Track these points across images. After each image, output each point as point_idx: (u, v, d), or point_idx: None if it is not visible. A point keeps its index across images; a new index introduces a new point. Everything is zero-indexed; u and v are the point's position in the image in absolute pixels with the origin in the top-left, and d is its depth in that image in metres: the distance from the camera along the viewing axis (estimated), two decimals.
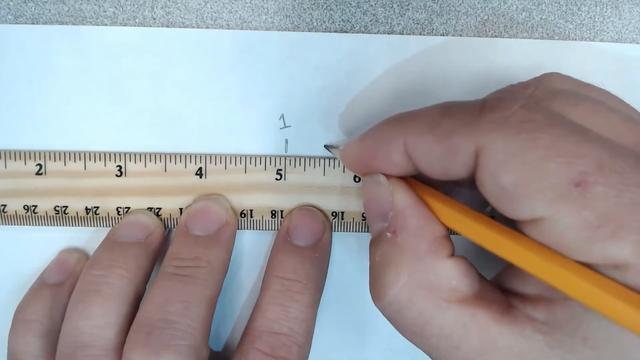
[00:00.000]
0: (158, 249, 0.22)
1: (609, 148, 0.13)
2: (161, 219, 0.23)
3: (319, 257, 0.22)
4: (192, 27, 0.22)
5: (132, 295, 0.21)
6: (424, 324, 0.16)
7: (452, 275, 0.16)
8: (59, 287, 0.22)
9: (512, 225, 0.15)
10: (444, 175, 0.16)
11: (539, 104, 0.15)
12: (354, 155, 0.18)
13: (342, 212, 0.23)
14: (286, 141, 0.23)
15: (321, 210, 0.23)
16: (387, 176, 0.18)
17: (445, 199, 0.17)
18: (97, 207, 0.22)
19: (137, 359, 0.19)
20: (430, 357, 0.16)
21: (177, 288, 0.20)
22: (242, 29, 0.22)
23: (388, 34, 0.22)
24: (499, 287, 0.17)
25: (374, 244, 0.18)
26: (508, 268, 0.17)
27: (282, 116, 0.23)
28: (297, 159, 0.22)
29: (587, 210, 0.13)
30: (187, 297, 0.20)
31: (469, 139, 0.15)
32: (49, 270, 0.23)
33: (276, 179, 0.22)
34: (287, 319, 0.20)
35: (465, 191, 0.20)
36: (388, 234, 0.17)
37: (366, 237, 0.23)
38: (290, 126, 0.23)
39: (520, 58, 0.22)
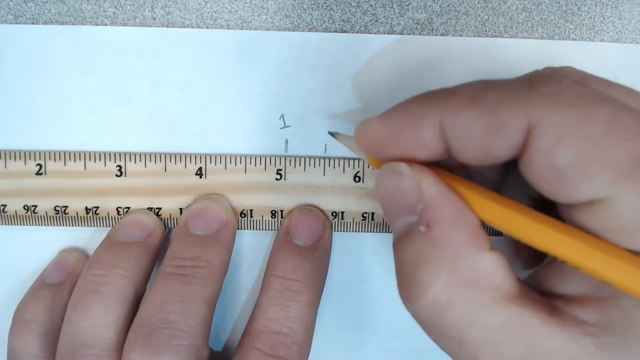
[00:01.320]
0: (158, 249, 0.22)
1: None
2: (161, 219, 0.23)
3: (319, 256, 0.22)
4: (192, 27, 0.22)
5: (132, 295, 0.21)
6: (466, 327, 0.14)
7: (495, 270, 0.14)
8: (58, 287, 0.22)
9: (551, 215, 0.14)
10: (480, 158, 0.15)
11: (584, 82, 0.14)
12: (376, 134, 0.16)
13: (342, 212, 0.23)
14: (286, 141, 0.23)
15: (321, 210, 0.23)
16: (410, 163, 0.16)
17: (477, 188, 0.15)
18: (97, 207, 0.22)
19: (137, 359, 0.19)
20: None
21: (177, 288, 0.20)
22: (242, 29, 0.22)
23: (388, 34, 0.22)
24: (536, 288, 0.15)
25: (402, 242, 0.15)
26: (546, 268, 0.15)
27: (282, 116, 0.23)
28: (297, 159, 0.22)
29: None
30: (187, 297, 0.20)
31: (520, 113, 0.13)
32: (49, 270, 0.23)
33: (276, 179, 0.22)
34: (287, 318, 0.20)
35: (488, 184, 0.18)
36: (421, 227, 0.15)
37: (366, 237, 0.23)
38: (290, 126, 0.23)
39: (520, 58, 0.22)
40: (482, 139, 0.14)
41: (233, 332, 0.24)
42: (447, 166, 0.16)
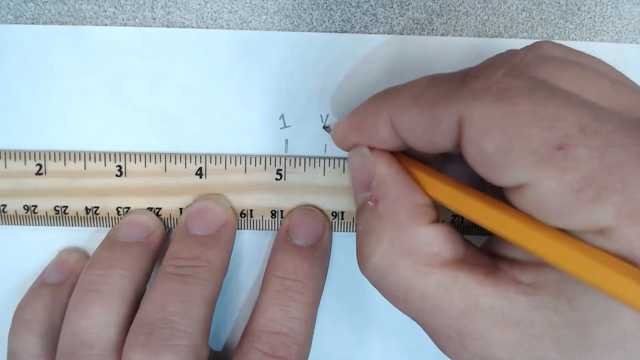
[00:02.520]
0: (158, 249, 0.22)
1: (593, 110, 0.13)
2: (161, 219, 0.23)
3: (319, 256, 0.22)
4: (192, 27, 0.22)
5: (132, 295, 0.21)
6: (407, 289, 0.16)
7: (433, 240, 0.16)
8: (59, 286, 0.22)
9: (501, 197, 0.15)
10: (431, 148, 0.16)
11: (523, 70, 0.15)
12: (343, 131, 0.19)
13: (342, 212, 0.23)
14: (286, 141, 0.23)
15: (321, 210, 0.23)
16: (371, 148, 0.18)
17: (429, 170, 0.17)
18: (97, 207, 0.22)
19: (137, 359, 0.19)
20: (415, 321, 0.17)
21: (177, 288, 0.20)
22: (242, 29, 0.22)
23: (388, 34, 0.22)
24: (488, 252, 0.17)
25: (358, 214, 0.18)
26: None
27: (282, 116, 0.23)
28: (297, 159, 0.22)
29: (569, 173, 0.13)
30: (187, 297, 0.20)
31: (451, 109, 0.15)
32: (49, 270, 0.23)
33: (276, 179, 0.22)
34: (287, 318, 0.20)
35: (457, 167, 0.20)
36: (370, 202, 0.17)
37: None
38: (290, 126, 0.23)
39: None
40: (426, 132, 0.16)
41: (233, 332, 0.24)
42: (420, 154, 0.18)
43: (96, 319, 0.20)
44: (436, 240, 0.16)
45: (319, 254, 0.22)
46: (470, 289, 0.15)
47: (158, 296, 0.20)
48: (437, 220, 0.17)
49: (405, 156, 0.18)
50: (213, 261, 0.21)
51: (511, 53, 0.16)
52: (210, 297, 0.20)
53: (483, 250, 0.17)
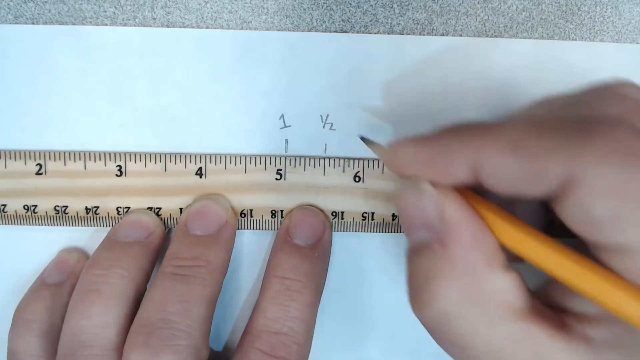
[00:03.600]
0: (158, 249, 0.22)
1: None
2: (161, 219, 0.23)
3: (319, 256, 0.22)
4: (192, 27, 0.22)
5: (132, 295, 0.21)
6: (471, 338, 0.15)
7: (507, 289, 0.15)
8: (59, 286, 0.22)
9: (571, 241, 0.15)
10: (511, 194, 0.15)
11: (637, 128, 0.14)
12: (404, 158, 0.16)
13: (342, 212, 0.23)
14: (286, 141, 0.23)
15: (321, 210, 0.23)
16: (434, 183, 0.16)
17: (497, 210, 0.16)
18: (97, 207, 0.22)
19: (137, 359, 0.19)
20: None
21: (177, 288, 0.20)
22: (242, 29, 0.22)
23: (388, 34, 0.22)
24: (545, 300, 0.16)
25: (416, 255, 0.16)
26: (559, 286, 0.16)
27: (282, 116, 0.23)
28: (297, 159, 0.22)
29: None
30: (187, 297, 0.20)
31: (562, 165, 0.13)
32: (49, 269, 0.23)
33: (276, 179, 0.22)
34: (287, 318, 0.20)
35: (517, 202, 0.18)
36: (437, 245, 0.15)
37: (366, 237, 0.23)
38: (290, 126, 0.23)
39: (520, 58, 0.22)
40: (519, 183, 0.14)
41: (233, 332, 0.24)
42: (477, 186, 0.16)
43: (96, 319, 0.20)
44: (510, 289, 0.15)
45: (319, 253, 0.22)
46: (541, 343, 0.14)
47: (158, 296, 0.20)
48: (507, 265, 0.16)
49: (468, 190, 0.16)
50: (213, 261, 0.21)
51: (599, 94, 0.15)
52: (210, 297, 0.20)
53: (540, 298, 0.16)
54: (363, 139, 0.20)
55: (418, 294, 0.16)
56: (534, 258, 0.15)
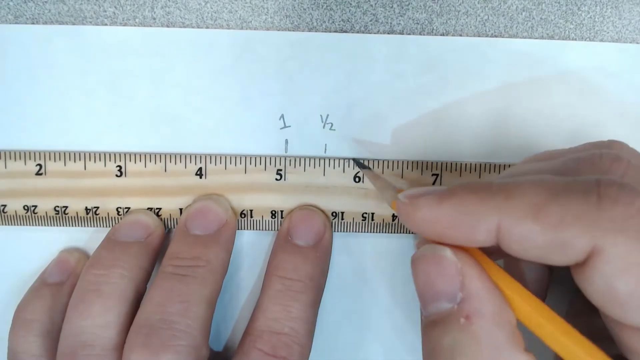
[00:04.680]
0: (158, 249, 0.22)
1: None
2: (161, 219, 0.23)
3: (319, 256, 0.22)
4: (192, 27, 0.22)
5: (132, 295, 0.21)
6: None
7: None
8: (59, 286, 0.22)
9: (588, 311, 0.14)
10: (533, 260, 0.15)
11: None
12: (425, 218, 0.16)
13: (342, 212, 0.23)
14: (286, 141, 0.23)
15: (321, 210, 0.23)
16: (454, 248, 0.15)
17: (517, 286, 0.15)
18: (97, 207, 0.22)
19: (137, 359, 0.19)
20: None
21: (177, 288, 0.20)
22: (242, 29, 0.22)
23: (388, 34, 0.22)
24: None
25: (437, 327, 0.15)
26: None
27: (282, 116, 0.23)
28: (297, 159, 0.22)
29: None
30: (187, 297, 0.20)
31: (586, 237, 0.13)
32: (49, 269, 0.23)
33: (276, 179, 0.22)
34: (288, 318, 0.20)
35: (530, 264, 0.18)
36: (462, 320, 0.15)
37: (366, 237, 0.23)
38: (290, 126, 0.23)
39: (520, 58, 0.22)
40: (542, 250, 0.14)
41: (233, 332, 0.24)
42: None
43: (96, 318, 0.20)
44: None
45: (319, 254, 0.22)
46: None
47: (158, 296, 0.20)
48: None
49: (484, 256, 0.16)
50: (213, 261, 0.21)
51: (607, 158, 0.15)
52: (210, 297, 0.20)
53: None
54: (357, 163, 0.20)
55: None
56: (550, 343, 0.15)
